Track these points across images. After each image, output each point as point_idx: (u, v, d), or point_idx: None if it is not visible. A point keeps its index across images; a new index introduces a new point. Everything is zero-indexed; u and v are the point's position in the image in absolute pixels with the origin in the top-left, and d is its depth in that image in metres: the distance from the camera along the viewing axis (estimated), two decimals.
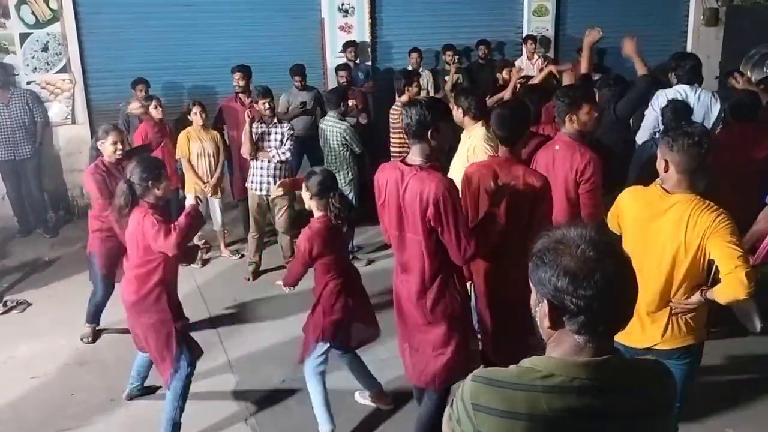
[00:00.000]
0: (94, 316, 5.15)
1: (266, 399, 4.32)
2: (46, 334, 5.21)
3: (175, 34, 8.08)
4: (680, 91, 5.21)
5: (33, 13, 7.48)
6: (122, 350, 4.85)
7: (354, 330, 3.90)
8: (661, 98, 5.21)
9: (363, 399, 4.22)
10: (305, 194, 3.75)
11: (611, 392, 1.46)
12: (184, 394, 3.79)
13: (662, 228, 2.83)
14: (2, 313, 5.60)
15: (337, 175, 6.02)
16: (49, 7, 7.53)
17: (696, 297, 2.85)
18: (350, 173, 6.38)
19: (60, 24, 7.59)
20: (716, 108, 5.22)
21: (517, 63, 8.46)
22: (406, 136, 3.22)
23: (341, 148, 6.27)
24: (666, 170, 2.85)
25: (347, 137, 6.21)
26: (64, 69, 7.71)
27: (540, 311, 1.51)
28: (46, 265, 6.63)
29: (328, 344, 3.81)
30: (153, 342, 3.74)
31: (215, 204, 6.64)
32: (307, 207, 3.82)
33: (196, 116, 6.29)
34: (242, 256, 6.66)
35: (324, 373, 3.85)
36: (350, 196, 6.06)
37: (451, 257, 3.12)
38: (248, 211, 6.29)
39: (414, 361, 3.35)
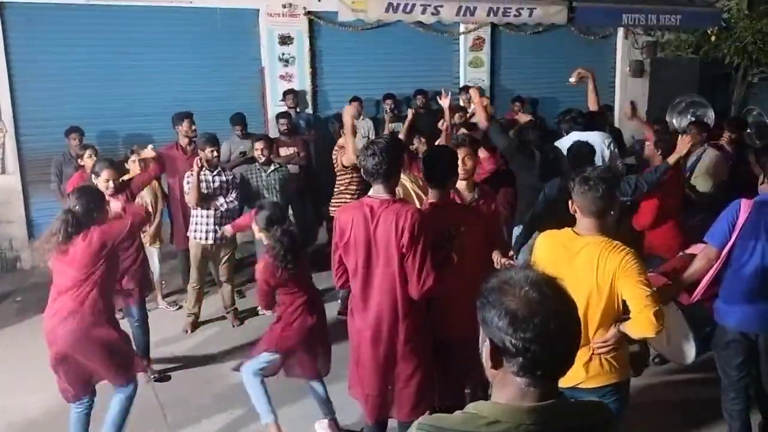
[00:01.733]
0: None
1: None
2: None
3: (111, 82, 7.96)
4: (572, 138, 5.47)
5: None
6: (53, 413, 4.58)
7: (300, 360, 4.10)
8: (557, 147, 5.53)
9: (320, 429, 4.27)
10: (255, 227, 3.96)
11: None
12: None
13: (575, 271, 2.89)
14: None
15: None
16: None
17: (611, 332, 2.92)
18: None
19: None
20: (607, 145, 5.61)
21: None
22: (365, 176, 3.31)
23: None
24: (575, 212, 3.00)
25: None
26: None
27: (485, 350, 1.51)
28: None
29: (276, 355, 3.99)
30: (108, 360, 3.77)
31: (153, 253, 6.45)
32: (257, 238, 4.08)
33: (134, 164, 6.15)
34: (180, 307, 6.48)
35: (262, 377, 4.04)
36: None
37: (409, 288, 3.17)
38: (188, 261, 6.14)
39: (374, 401, 3.38)
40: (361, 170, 3.31)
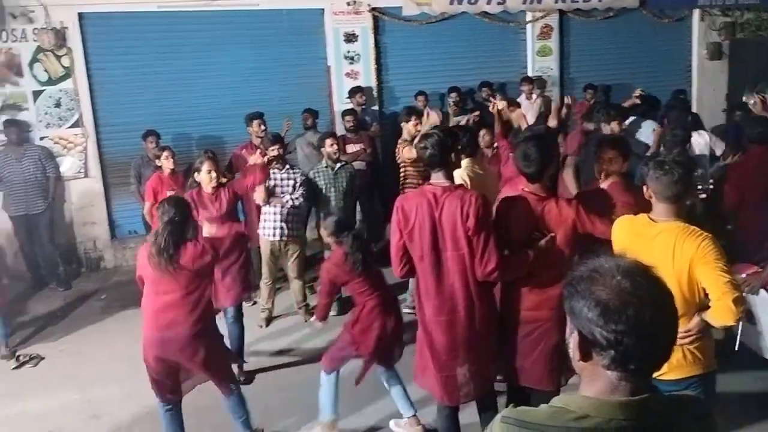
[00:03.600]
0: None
1: None
2: (59, 387, 5.15)
3: (183, 86, 8.21)
4: None
5: (46, 70, 7.64)
6: (134, 406, 4.77)
7: (392, 348, 4.16)
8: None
9: (397, 428, 4.30)
10: (323, 232, 4.13)
11: None
12: None
13: (651, 257, 2.76)
14: (15, 368, 5.57)
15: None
16: (62, 65, 7.69)
17: (695, 320, 2.82)
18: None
19: (72, 80, 7.74)
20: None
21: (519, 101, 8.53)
22: (424, 166, 3.45)
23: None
24: (650, 197, 2.93)
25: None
26: (77, 124, 7.83)
27: (572, 342, 1.45)
28: (59, 319, 6.61)
29: (364, 358, 4.09)
30: (215, 361, 3.86)
31: None
32: (326, 243, 4.23)
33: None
34: (254, 303, 6.61)
35: (338, 373, 4.16)
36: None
37: (474, 268, 3.25)
38: (260, 257, 6.27)
39: (450, 385, 3.44)
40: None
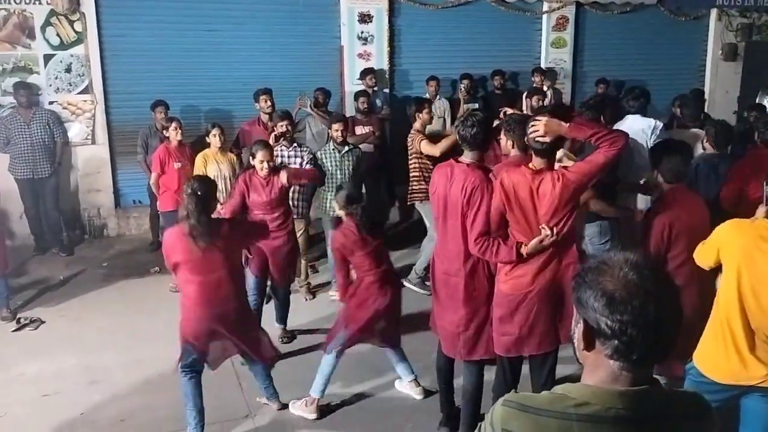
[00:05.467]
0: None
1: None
2: (58, 352, 5.18)
3: (195, 59, 8.17)
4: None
5: (58, 34, 7.59)
6: (132, 374, 4.81)
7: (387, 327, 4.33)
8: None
9: (401, 387, 4.59)
10: (335, 205, 4.44)
11: (647, 423, 1.41)
12: None
13: None
14: (15, 330, 5.60)
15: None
16: (74, 30, 7.65)
17: None
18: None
19: (84, 46, 7.70)
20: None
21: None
22: (460, 142, 3.64)
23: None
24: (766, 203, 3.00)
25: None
26: (86, 90, 7.80)
27: (577, 332, 1.48)
28: (61, 284, 6.63)
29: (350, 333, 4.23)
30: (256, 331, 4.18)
31: None
32: (337, 214, 4.48)
33: (214, 138, 6.29)
34: None
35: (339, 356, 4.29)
36: None
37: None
38: None
39: (444, 335, 3.83)
40: (458, 137, 3.67)
